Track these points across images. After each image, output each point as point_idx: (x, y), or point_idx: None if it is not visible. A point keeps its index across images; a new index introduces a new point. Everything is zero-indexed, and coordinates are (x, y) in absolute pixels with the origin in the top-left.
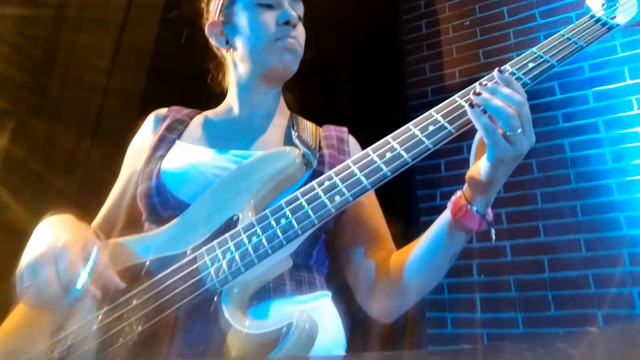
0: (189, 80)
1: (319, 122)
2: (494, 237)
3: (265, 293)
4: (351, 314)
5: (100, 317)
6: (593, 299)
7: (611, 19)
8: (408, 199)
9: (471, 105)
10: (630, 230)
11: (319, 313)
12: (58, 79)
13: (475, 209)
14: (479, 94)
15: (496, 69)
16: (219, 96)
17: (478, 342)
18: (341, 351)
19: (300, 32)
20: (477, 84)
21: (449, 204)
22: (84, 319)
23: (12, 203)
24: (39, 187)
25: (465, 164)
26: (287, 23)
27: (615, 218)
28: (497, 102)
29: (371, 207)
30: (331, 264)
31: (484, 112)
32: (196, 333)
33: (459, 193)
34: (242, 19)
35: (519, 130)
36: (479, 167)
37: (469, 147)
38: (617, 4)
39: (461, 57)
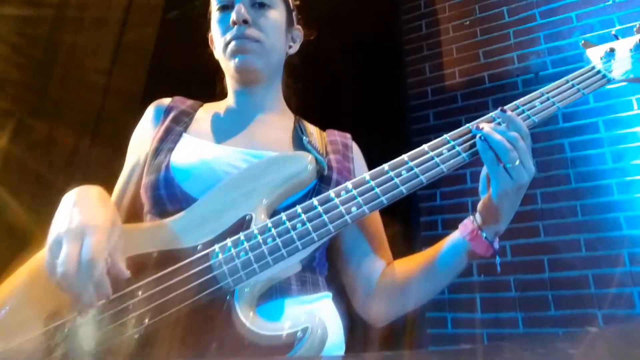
0: (189, 80)
1: (319, 122)
2: (499, 267)
3: (272, 292)
4: (350, 315)
5: (102, 307)
6: (593, 299)
7: (609, 72)
8: (408, 199)
9: (480, 138)
10: (630, 230)
11: (321, 314)
12: (58, 79)
13: (484, 235)
14: (480, 128)
15: (499, 108)
16: (218, 96)
17: (478, 342)
18: (340, 352)
19: (259, 23)
20: (487, 116)
21: (460, 226)
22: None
23: (12, 203)
24: (39, 187)
25: (465, 164)
26: (234, 23)
27: (615, 218)
28: (496, 136)
29: (372, 214)
30: (330, 266)
31: (490, 146)
32: (207, 331)
33: (471, 217)
34: (212, 27)
35: (517, 163)
36: (487, 198)
37: None
38: (613, 60)
39: (461, 57)
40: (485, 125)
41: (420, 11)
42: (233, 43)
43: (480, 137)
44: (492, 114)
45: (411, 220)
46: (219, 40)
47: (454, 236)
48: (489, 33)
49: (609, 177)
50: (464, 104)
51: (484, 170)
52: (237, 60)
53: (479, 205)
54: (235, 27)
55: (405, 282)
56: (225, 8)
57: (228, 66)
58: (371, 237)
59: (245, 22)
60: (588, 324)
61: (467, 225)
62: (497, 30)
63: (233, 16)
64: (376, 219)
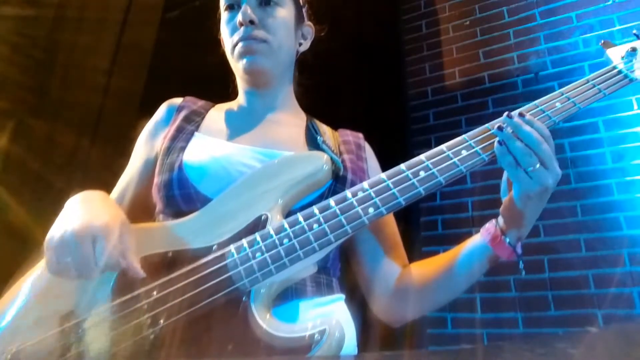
0: (189, 80)
1: (320, 122)
2: (523, 271)
3: (287, 293)
4: (363, 317)
5: (116, 307)
6: (593, 299)
7: (631, 72)
8: None
9: (499, 143)
10: (630, 230)
11: (336, 316)
12: (58, 79)
13: (507, 240)
14: (501, 128)
15: (518, 111)
16: (220, 95)
17: (478, 342)
18: (353, 354)
19: (266, 22)
20: (504, 115)
21: (482, 230)
22: (98, 307)
23: (12, 203)
24: (39, 187)
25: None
26: (240, 24)
27: (615, 218)
28: (516, 141)
29: (387, 215)
30: (343, 267)
31: (509, 151)
32: (223, 332)
33: (493, 221)
34: (221, 27)
35: (538, 166)
36: (510, 201)
37: None
38: (634, 60)
39: (461, 57)
40: (505, 127)
41: (420, 11)
42: (240, 44)
43: (498, 142)
44: (513, 113)
45: (411, 220)
46: (227, 41)
47: (475, 240)
48: (489, 33)
49: (609, 177)
50: (464, 104)
51: (506, 173)
52: (245, 61)
53: (501, 209)
54: (242, 28)
55: (424, 286)
56: (231, 7)
57: (237, 67)
58: (386, 239)
59: (251, 22)
60: (588, 324)
61: (490, 229)
62: (497, 30)
63: (239, 17)
64: (391, 220)
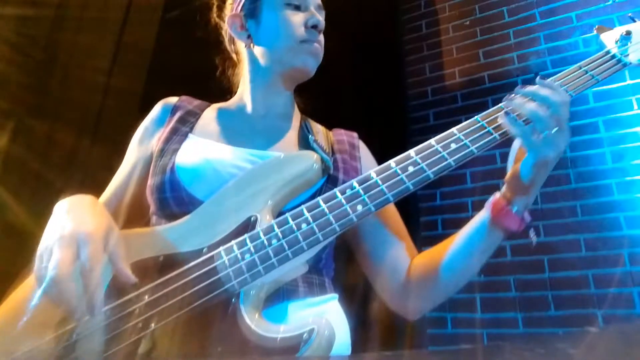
0: (189, 80)
1: (319, 122)
2: (534, 238)
3: (279, 295)
4: (357, 316)
5: (109, 312)
6: (593, 299)
7: (625, 56)
8: (408, 199)
9: (506, 113)
10: (630, 230)
11: (328, 316)
12: (58, 79)
13: (515, 209)
14: (512, 98)
15: (538, 76)
16: (220, 95)
17: (478, 342)
18: (347, 353)
19: (322, 39)
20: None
21: (488, 205)
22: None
23: (12, 203)
24: (39, 187)
25: (464, 164)
26: (315, 27)
27: (615, 218)
28: (530, 104)
29: (391, 207)
30: (337, 267)
31: (519, 117)
32: (213, 333)
33: (498, 194)
34: (268, 15)
35: (556, 129)
36: (520, 169)
37: None
38: (629, 44)
39: (461, 57)
40: (518, 95)
41: (420, 11)
42: (314, 45)
43: (504, 112)
44: (501, 104)
45: (411, 220)
46: (285, 35)
47: (481, 217)
48: (489, 33)
49: (609, 177)
50: (464, 104)
51: (515, 145)
52: (310, 62)
53: (508, 178)
54: (312, 31)
55: (438, 273)
56: (296, 7)
57: (287, 61)
58: (394, 232)
59: (320, 32)
60: (588, 324)
61: (495, 203)
62: (497, 30)
63: (317, 22)
64: (395, 212)
